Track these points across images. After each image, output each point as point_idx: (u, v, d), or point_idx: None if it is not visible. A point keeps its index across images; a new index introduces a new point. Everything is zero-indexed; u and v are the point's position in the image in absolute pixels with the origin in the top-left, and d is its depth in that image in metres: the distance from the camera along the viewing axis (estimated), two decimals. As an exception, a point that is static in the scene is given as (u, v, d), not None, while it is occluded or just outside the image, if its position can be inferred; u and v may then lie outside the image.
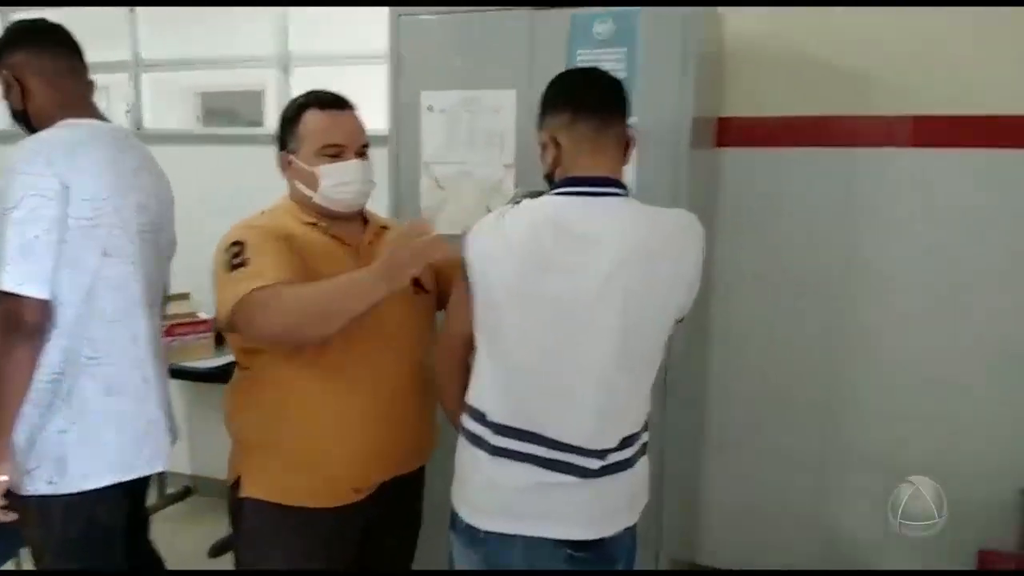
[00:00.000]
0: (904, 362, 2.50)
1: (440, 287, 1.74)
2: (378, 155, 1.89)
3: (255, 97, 3.93)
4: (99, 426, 1.67)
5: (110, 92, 3.46)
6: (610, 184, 1.39)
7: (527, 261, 1.35)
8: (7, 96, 1.75)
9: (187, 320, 2.98)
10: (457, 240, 1.46)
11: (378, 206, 1.94)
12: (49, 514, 1.67)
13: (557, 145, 1.41)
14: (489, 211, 1.64)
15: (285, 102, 3.24)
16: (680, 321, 1.49)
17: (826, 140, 2.50)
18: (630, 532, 1.49)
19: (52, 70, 1.72)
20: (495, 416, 1.39)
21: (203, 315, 3.00)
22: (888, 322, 2.51)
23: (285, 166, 1.69)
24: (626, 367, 1.36)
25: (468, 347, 1.48)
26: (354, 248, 1.68)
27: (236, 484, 1.66)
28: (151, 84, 3.55)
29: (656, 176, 2.06)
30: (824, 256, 2.55)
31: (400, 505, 1.76)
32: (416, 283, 1.68)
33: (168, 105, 3.76)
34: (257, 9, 3.20)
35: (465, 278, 1.44)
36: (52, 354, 1.62)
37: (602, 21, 2.07)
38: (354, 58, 3.06)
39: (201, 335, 2.97)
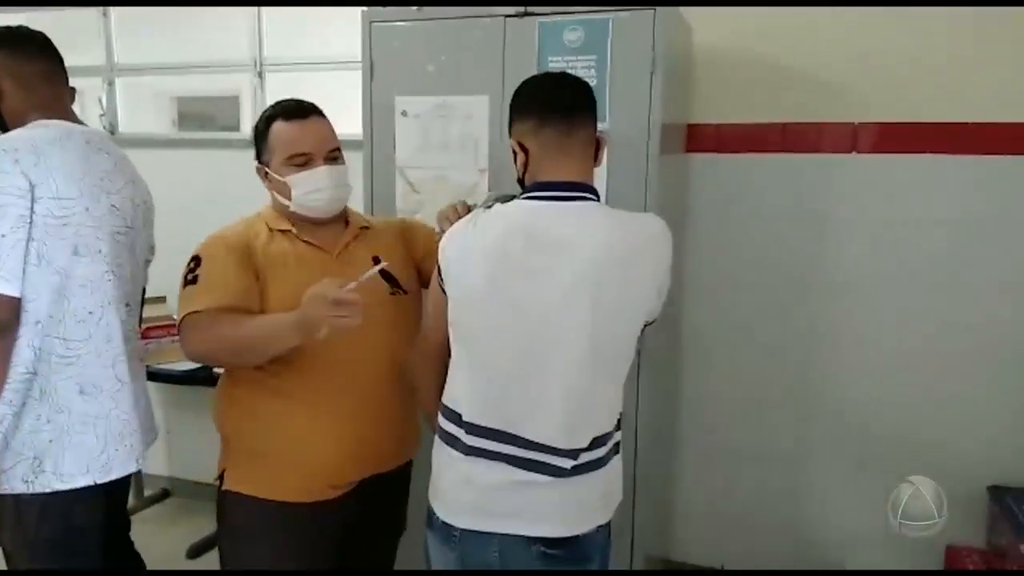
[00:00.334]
0: (870, 363, 2.55)
1: (425, 287, 1.77)
2: (354, 159, 1.92)
3: (231, 102, 3.93)
4: (73, 426, 1.68)
5: (85, 96, 3.44)
6: (579, 189, 1.41)
7: (497, 265, 1.37)
8: None
9: (163, 323, 2.99)
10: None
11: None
12: (24, 513, 1.68)
13: (525, 150, 1.43)
14: (465, 206, 1.69)
15: (260, 107, 3.30)
16: (651, 324, 1.53)
17: (793, 146, 2.54)
18: (604, 530, 1.51)
19: (27, 74, 1.74)
20: (469, 416, 1.42)
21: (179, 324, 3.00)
22: (856, 324, 2.56)
23: (262, 177, 1.74)
24: (596, 369, 1.39)
25: (444, 349, 1.50)
26: (329, 253, 1.71)
27: (221, 478, 1.72)
28: (127, 89, 3.54)
29: (626, 181, 2.10)
30: (793, 259, 2.59)
31: (382, 502, 1.78)
32: (395, 284, 1.72)
33: (144, 110, 3.75)
34: (232, 14, 3.20)
35: (440, 282, 1.47)
36: (24, 353, 1.63)
37: (572, 29, 2.11)
38: (328, 63, 3.08)
39: (176, 338, 2.96)
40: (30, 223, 1.58)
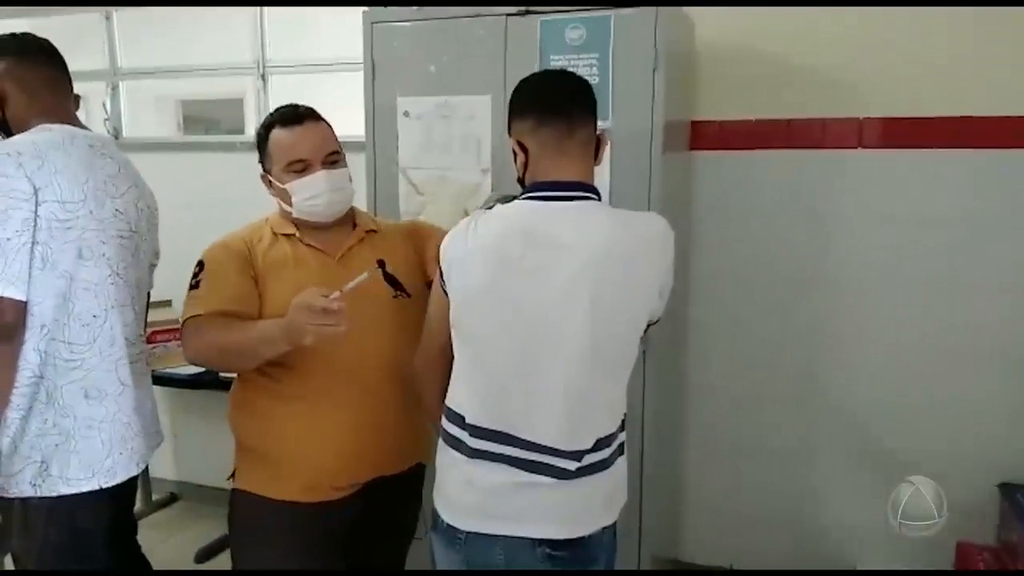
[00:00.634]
0: (879, 360, 2.54)
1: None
2: (357, 160, 1.91)
3: (236, 104, 3.94)
4: (79, 430, 1.69)
5: (89, 101, 3.45)
6: (579, 188, 1.40)
7: (496, 266, 1.37)
8: None
9: (169, 327, 2.99)
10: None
11: (358, 211, 1.96)
12: (32, 517, 1.69)
13: (525, 150, 1.42)
14: (467, 215, 1.68)
15: (263, 109, 3.30)
16: (655, 324, 1.52)
17: (798, 142, 2.53)
18: (609, 531, 1.50)
19: (31, 80, 1.75)
20: (472, 419, 1.41)
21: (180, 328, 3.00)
22: (862, 320, 2.54)
23: (266, 185, 1.76)
24: (597, 370, 1.38)
25: (447, 352, 1.49)
26: (331, 256, 1.72)
27: (234, 477, 1.76)
28: (131, 93, 3.55)
29: (629, 179, 2.09)
30: (798, 256, 2.58)
31: (388, 505, 1.78)
32: (399, 287, 1.72)
33: (149, 114, 3.77)
34: (234, 17, 3.20)
35: (441, 283, 1.47)
36: (30, 356, 1.64)
37: (574, 27, 2.10)
38: (331, 65, 3.08)
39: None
40: (34, 227, 1.59)
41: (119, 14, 3.40)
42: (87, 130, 1.82)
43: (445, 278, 1.44)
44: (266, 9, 3.18)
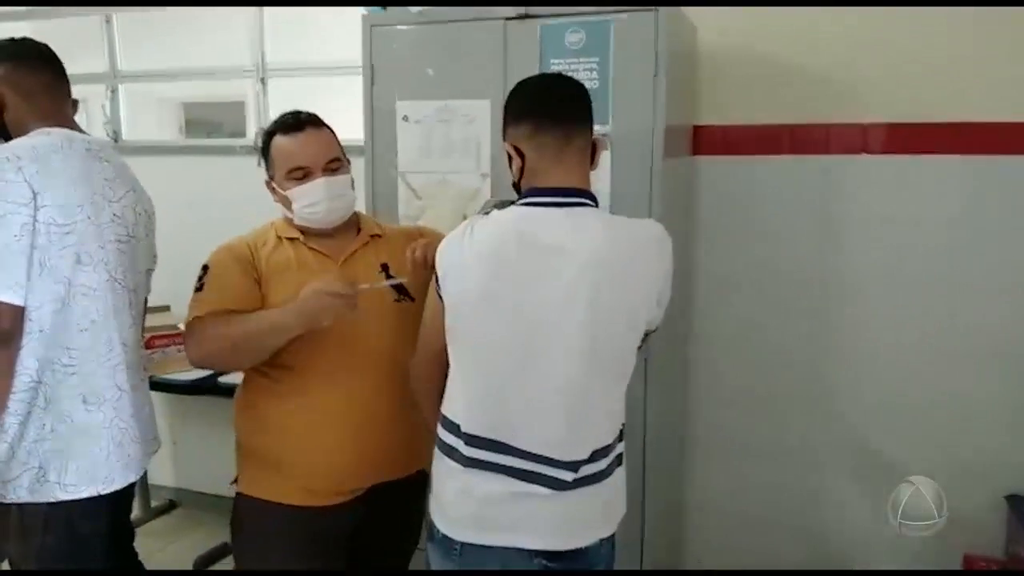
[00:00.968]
0: (885, 367, 2.52)
1: None
2: (356, 165, 1.90)
3: (238, 107, 3.93)
4: (77, 436, 1.68)
5: (89, 104, 3.45)
6: (577, 194, 1.39)
7: (492, 272, 1.35)
8: None
9: (167, 332, 2.97)
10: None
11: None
12: (29, 523, 1.68)
13: (521, 155, 1.41)
14: (466, 220, 1.66)
15: (263, 113, 3.28)
16: (653, 332, 1.51)
17: (801, 147, 2.51)
18: (607, 542, 1.49)
19: (29, 85, 1.74)
20: (467, 427, 1.40)
21: (183, 327, 2.98)
22: (867, 326, 2.52)
23: (270, 191, 1.77)
24: (594, 379, 1.37)
25: (442, 358, 1.48)
26: (335, 260, 1.73)
27: (236, 481, 1.78)
28: (133, 96, 3.55)
29: (630, 185, 2.07)
30: (802, 260, 2.56)
31: (391, 510, 1.78)
32: (402, 291, 1.72)
33: (150, 117, 3.76)
34: (233, 20, 3.20)
35: (437, 288, 1.45)
36: (28, 362, 1.63)
37: (574, 31, 2.08)
38: (330, 69, 3.07)
39: (181, 347, 2.95)
40: (33, 231, 1.58)
41: (119, 17, 3.40)
42: (85, 134, 1.82)
43: (440, 283, 1.43)
44: (266, 12, 3.17)
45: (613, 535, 1.50)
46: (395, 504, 1.78)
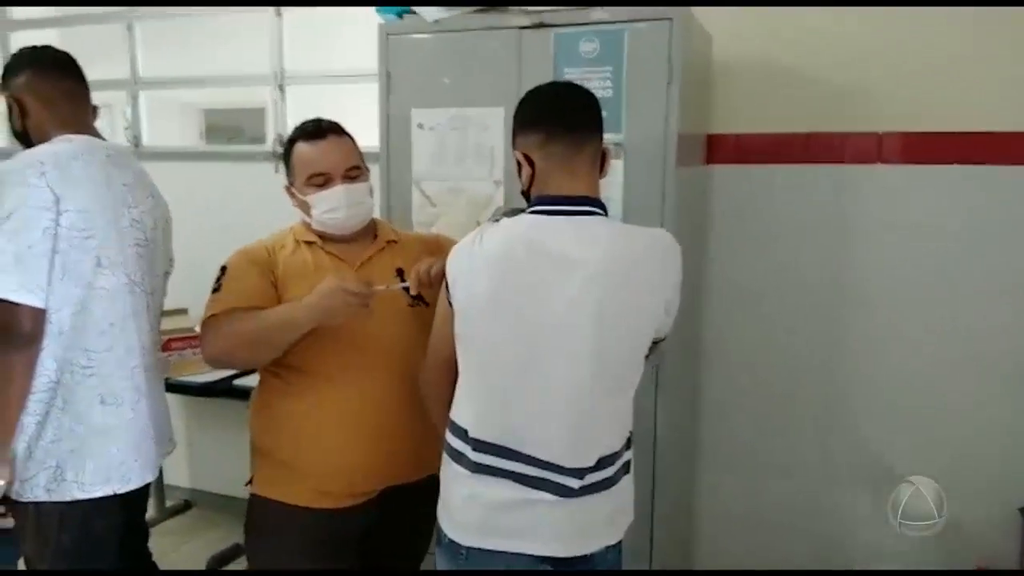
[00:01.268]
0: (898, 377, 2.50)
1: None
2: (372, 171, 1.93)
3: (258, 114, 3.97)
4: (94, 436, 1.70)
5: (111, 110, 3.50)
6: (586, 203, 1.40)
7: (501, 280, 1.36)
8: (9, 117, 1.82)
9: (185, 335, 3.00)
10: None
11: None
12: (45, 522, 1.70)
13: (531, 164, 1.42)
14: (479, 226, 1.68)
15: (281, 120, 3.31)
16: (661, 341, 1.51)
17: (816, 157, 2.51)
18: (614, 549, 1.49)
19: (50, 93, 1.78)
20: (475, 432, 1.41)
21: (200, 330, 3.02)
22: (880, 336, 2.51)
23: (290, 196, 1.80)
24: (600, 386, 1.37)
25: (451, 364, 1.49)
26: (351, 264, 1.75)
27: (251, 482, 1.79)
28: (154, 101, 3.59)
29: (643, 193, 2.08)
30: (815, 270, 2.55)
31: (403, 513, 1.79)
32: (417, 297, 1.73)
33: (172, 122, 3.81)
34: (253, 27, 3.24)
35: (447, 294, 1.46)
36: (48, 363, 1.65)
37: (589, 40, 2.10)
38: (348, 76, 3.09)
39: (198, 350, 2.97)
40: (55, 235, 1.61)
41: (141, 25, 3.45)
42: (105, 140, 1.85)
43: (450, 290, 1.44)
44: (285, 20, 3.21)
45: (620, 543, 1.50)
46: (407, 508, 1.79)
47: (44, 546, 1.72)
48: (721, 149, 2.59)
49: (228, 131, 4.67)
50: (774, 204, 2.57)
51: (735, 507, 2.74)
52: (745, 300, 2.64)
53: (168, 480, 3.43)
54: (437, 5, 2.23)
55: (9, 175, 1.61)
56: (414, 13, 2.28)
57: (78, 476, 1.69)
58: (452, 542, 1.43)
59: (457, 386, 1.48)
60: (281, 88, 3.24)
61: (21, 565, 1.91)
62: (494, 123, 2.22)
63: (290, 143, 1.77)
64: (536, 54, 2.15)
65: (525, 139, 1.43)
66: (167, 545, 3.11)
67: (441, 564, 1.48)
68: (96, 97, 1.89)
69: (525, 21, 2.15)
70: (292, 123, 3.16)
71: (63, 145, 1.71)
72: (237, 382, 2.88)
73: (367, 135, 2.24)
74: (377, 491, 1.72)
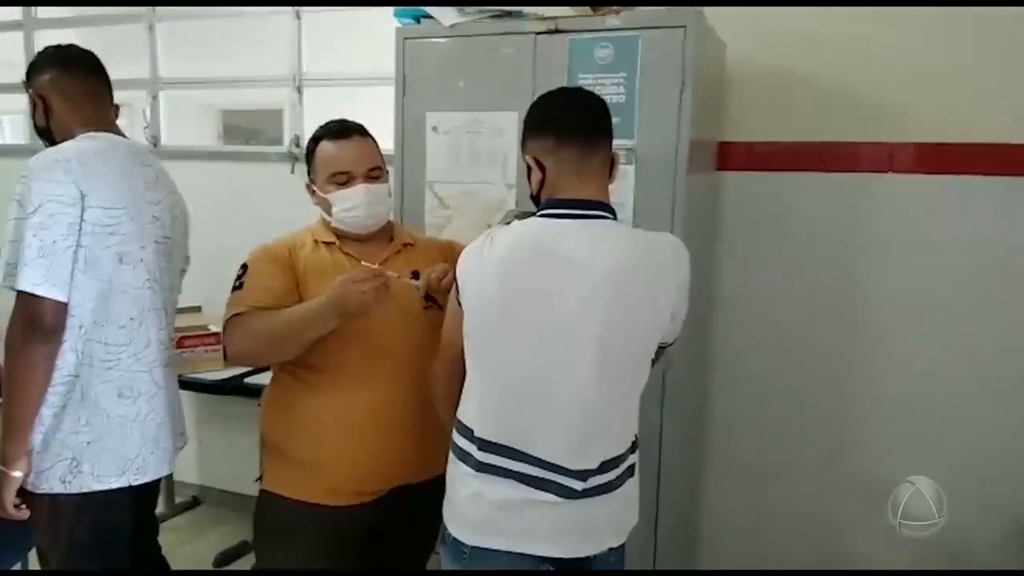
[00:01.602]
0: (907, 385, 2.50)
1: None
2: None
3: (276, 115, 4.01)
4: (111, 428, 1.72)
5: (130, 109, 3.55)
6: (597, 207, 1.41)
7: (510, 282, 1.38)
8: (32, 114, 1.86)
9: (197, 332, 3.03)
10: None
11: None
12: (60, 514, 1.72)
13: (542, 168, 1.44)
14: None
15: (298, 121, 3.34)
16: (668, 346, 1.52)
17: (827, 166, 2.51)
18: (617, 552, 1.50)
19: (74, 91, 1.81)
20: (481, 432, 1.42)
21: (213, 328, 3.05)
22: (890, 346, 2.51)
23: (310, 194, 1.82)
24: (605, 388, 1.38)
25: (460, 364, 1.50)
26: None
27: (261, 479, 1.82)
28: (173, 101, 3.63)
29: (654, 199, 2.09)
30: (825, 279, 2.55)
31: (410, 512, 1.80)
32: (430, 298, 1.75)
33: (190, 123, 3.85)
34: (273, 29, 3.28)
35: (457, 295, 1.48)
36: (67, 356, 1.67)
37: (603, 46, 2.11)
38: (364, 79, 3.13)
39: (211, 347, 3.02)
40: (79, 231, 1.64)
41: (161, 26, 3.50)
42: (127, 139, 1.88)
43: (460, 291, 1.46)
44: (304, 22, 3.24)
45: (623, 545, 1.50)
46: (416, 507, 1.79)
47: (58, 537, 1.74)
48: (733, 157, 2.60)
49: (246, 132, 4.72)
50: (785, 212, 2.57)
51: (739, 514, 2.73)
52: (754, 308, 2.64)
53: (177, 476, 3.45)
54: (454, 8, 2.26)
55: (36, 171, 1.63)
56: (431, 18, 2.30)
57: (94, 468, 1.70)
58: (456, 540, 1.45)
59: (465, 385, 1.49)
60: (299, 90, 3.27)
61: (31, 556, 1.94)
62: (508, 127, 2.23)
63: (314, 141, 1.80)
64: (551, 59, 2.17)
65: (536, 143, 1.45)
66: (175, 541, 3.12)
67: (444, 562, 1.49)
68: (116, 97, 1.92)
69: (540, 27, 2.17)
70: (309, 125, 3.21)
71: (87, 142, 1.74)
72: (248, 380, 2.91)
73: (382, 138, 2.26)
74: (387, 490, 1.74)
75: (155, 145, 3.52)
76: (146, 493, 1.88)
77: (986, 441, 2.42)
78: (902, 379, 2.50)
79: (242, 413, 3.13)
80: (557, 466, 1.37)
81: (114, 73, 1.91)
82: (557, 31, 2.16)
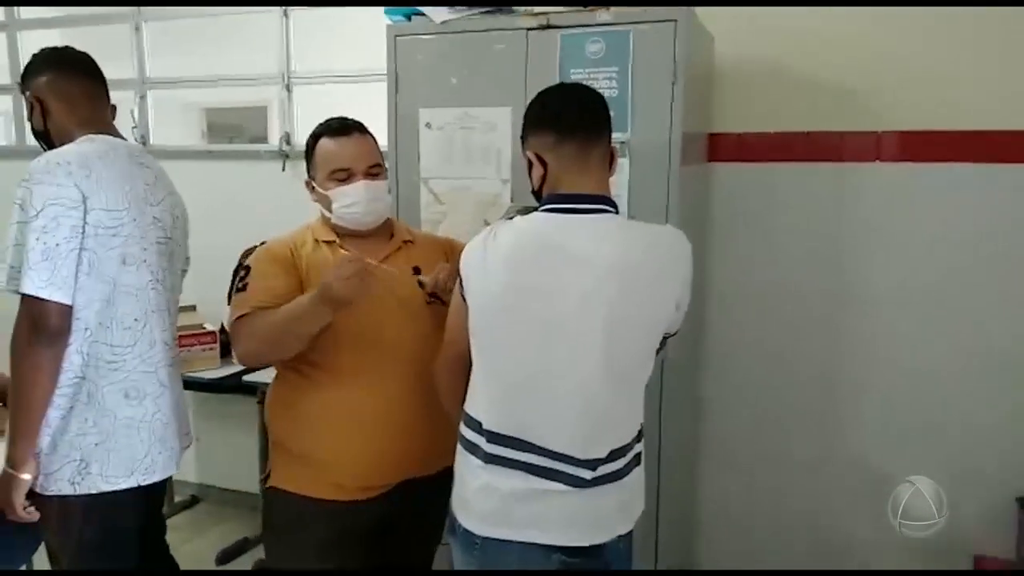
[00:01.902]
0: (898, 373, 2.53)
1: None
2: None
3: (259, 112, 3.99)
4: (118, 429, 1.73)
5: (119, 109, 3.52)
6: (598, 201, 1.43)
7: (514, 275, 1.40)
8: (30, 116, 1.86)
9: (193, 331, 3.03)
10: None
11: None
12: (69, 515, 1.72)
13: (543, 163, 1.45)
14: (487, 224, 1.71)
15: (288, 119, 3.33)
16: (672, 335, 1.54)
17: (816, 155, 2.54)
18: (625, 539, 1.52)
19: (71, 93, 1.81)
20: (489, 424, 1.44)
21: (209, 327, 3.06)
22: (880, 333, 2.54)
23: (309, 191, 1.83)
24: (611, 381, 1.40)
25: (466, 359, 1.52)
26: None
27: (268, 475, 1.83)
28: (155, 100, 3.61)
29: (648, 191, 2.12)
30: (816, 268, 2.58)
31: (416, 506, 1.82)
32: (434, 295, 1.76)
33: (173, 121, 3.83)
34: (261, 26, 3.27)
35: (461, 290, 1.50)
36: (73, 358, 1.68)
37: (594, 41, 2.13)
38: (355, 76, 3.13)
39: (207, 346, 3.03)
40: (82, 233, 1.64)
41: (148, 26, 3.48)
42: (125, 140, 1.88)
43: (464, 285, 1.48)
44: (292, 20, 3.24)
45: (631, 532, 1.53)
46: (421, 501, 1.81)
47: (68, 538, 1.74)
48: (723, 148, 2.63)
49: (229, 130, 4.70)
50: (774, 201, 2.60)
51: (737, 506, 2.77)
52: (746, 297, 2.67)
53: (176, 475, 3.41)
54: (445, 6, 2.27)
55: (37, 174, 1.64)
56: (422, 15, 2.31)
57: (103, 469, 1.71)
58: (467, 532, 1.46)
59: (471, 379, 1.51)
60: (288, 88, 3.27)
61: (39, 556, 1.95)
62: (501, 123, 2.25)
63: (314, 138, 1.81)
64: (543, 55, 2.19)
65: (536, 139, 1.47)
66: (175, 540, 3.06)
67: (456, 554, 1.51)
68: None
69: (532, 22, 2.19)
70: (299, 123, 3.20)
71: (87, 145, 1.74)
72: (246, 378, 2.91)
73: (374, 134, 2.27)
74: (392, 484, 1.75)
75: (144, 145, 3.50)
76: (154, 493, 1.89)
77: (978, 424, 2.46)
78: (891, 364, 2.54)
79: (240, 411, 3.14)
80: (566, 456, 1.39)
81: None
82: (548, 27, 2.17)
